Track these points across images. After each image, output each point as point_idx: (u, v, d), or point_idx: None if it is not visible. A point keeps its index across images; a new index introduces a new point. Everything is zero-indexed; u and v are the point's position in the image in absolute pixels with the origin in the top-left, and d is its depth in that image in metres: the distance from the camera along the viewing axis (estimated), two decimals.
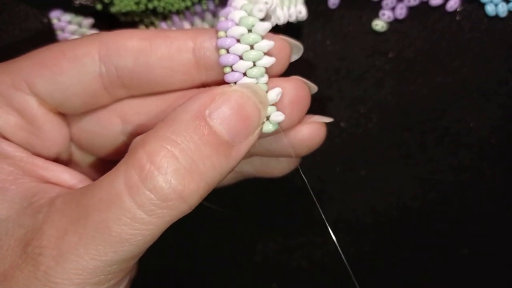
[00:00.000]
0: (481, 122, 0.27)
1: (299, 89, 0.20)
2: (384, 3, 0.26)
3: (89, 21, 0.28)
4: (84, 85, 0.20)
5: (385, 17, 0.26)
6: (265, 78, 0.20)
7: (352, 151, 0.28)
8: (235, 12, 0.19)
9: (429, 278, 0.29)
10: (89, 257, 0.17)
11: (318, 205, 0.22)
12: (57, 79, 0.20)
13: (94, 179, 0.19)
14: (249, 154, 0.23)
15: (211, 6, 0.27)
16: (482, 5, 0.25)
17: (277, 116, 0.20)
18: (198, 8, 0.27)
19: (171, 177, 0.17)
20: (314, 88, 0.22)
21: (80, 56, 0.19)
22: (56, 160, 0.22)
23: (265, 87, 0.19)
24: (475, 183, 0.28)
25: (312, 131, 0.21)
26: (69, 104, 0.20)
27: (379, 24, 0.26)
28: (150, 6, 0.26)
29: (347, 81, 0.27)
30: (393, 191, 0.28)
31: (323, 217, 0.22)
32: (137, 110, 0.21)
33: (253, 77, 0.19)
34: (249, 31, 0.19)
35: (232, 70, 0.19)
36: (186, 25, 0.28)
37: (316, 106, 0.28)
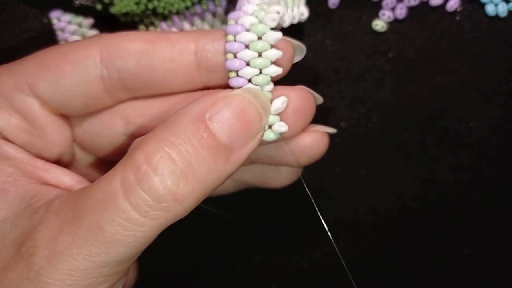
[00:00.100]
0: (481, 122, 0.27)
1: (304, 98, 0.20)
2: (384, 3, 0.26)
3: (89, 21, 0.28)
4: (85, 88, 0.20)
5: (385, 17, 0.26)
6: (270, 86, 0.19)
7: (352, 151, 0.28)
8: (246, 17, 0.19)
9: (429, 278, 0.29)
10: (82, 258, 0.17)
11: (316, 208, 0.22)
12: (58, 81, 0.20)
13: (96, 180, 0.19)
14: (250, 161, 0.23)
15: (211, 6, 0.27)
16: (482, 5, 0.25)
17: (280, 127, 0.19)
18: (198, 8, 0.27)
19: (167, 179, 0.17)
20: (320, 99, 0.22)
21: (81, 58, 0.19)
22: (59, 161, 0.22)
23: (269, 95, 0.19)
24: (475, 183, 0.28)
25: (314, 140, 0.21)
26: (71, 106, 0.20)
27: (379, 24, 0.26)
28: (150, 6, 0.26)
29: (347, 81, 0.27)
30: (393, 191, 0.28)
31: (322, 220, 0.22)
32: (139, 112, 0.21)
33: (258, 85, 0.19)
34: (259, 38, 0.19)
35: (237, 75, 0.19)
36: (186, 25, 0.28)
37: (317, 106, 0.28)
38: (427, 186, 0.28)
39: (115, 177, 0.17)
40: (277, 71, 0.19)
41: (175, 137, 0.17)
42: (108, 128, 0.22)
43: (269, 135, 0.19)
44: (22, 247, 0.17)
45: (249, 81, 0.19)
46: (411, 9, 0.26)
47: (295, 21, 0.25)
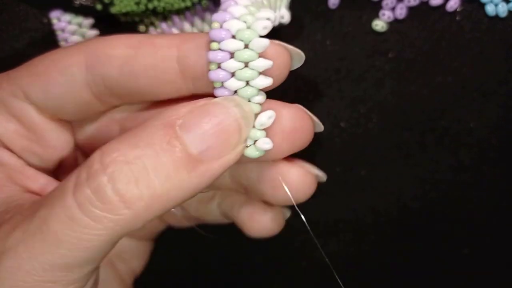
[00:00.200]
0: (481, 122, 0.27)
1: (297, 119, 0.19)
2: (384, 3, 0.26)
3: (89, 21, 0.28)
4: (74, 95, 0.19)
5: (385, 17, 0.26)
6: (260, 98, 0.18)
7: (352, 151, 0.28)
8: (232, 21, 0.17)
9: (429, 278, 0.29)
10: (27, 256, 0.16)
11: (303, 217, 0.21)
12: (48, 88, 0.19)
13: None
14: (229, 188, 0.22)
15: (212, 6, 0.27)
16: (482, 5, 0.25)
17: (264, 144, 0.18)
18: (198, 8, 0.27)
19: (116, 179, 0.16)
20: (320, 126, 0.20)
21: (68, 66, 0.19)
22: (60, 166, 0.22)
23: (257, 108, 0.18)
24: (475, 183, 0.28)
25: (301, 177, 0.20)
26: (64, 112, 0.20)
27: (379, 24, 0.26)
28: (150, 6, 0.26)
29: (347, 81, 0.27)
30: (393, 191, 0.28)
31: (306, 223, 0.22)
32: (134, 117, 0.21)
33: (245, 97, 0.17)
34: (245, 46, 0.17)
35: (223, 86, 0.17)
36: (187, 25, 0.28)
37: (317, 106, 0.28)
38: (427, 186, 0.28)
39: (73, 175, 0.16)
40: (266, 83, 0.17)
41: (138, 139, 0.16)
42: (106, 133, 0.22)
43: (252, 152, 0.18)
44: None
45: (236, 92, 0.17)
46: (411, 9, 0.26)
47: (276, 24, 0.23)
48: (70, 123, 0.22)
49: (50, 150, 0.21)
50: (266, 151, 0.18)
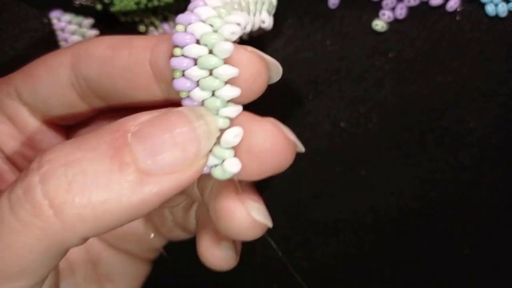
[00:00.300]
0: (481, 122, 0.27)
1: (268, 138, 0.16)
2: (384, 3, 0.26)
3: (89, 21, 0.28)
4: (60, 95, 0.19)
5: (385, 17, 0.26)
6: (232, 110, 0.16)
7: (352, 151, 0.28)
8: (197, 24, 0.15)
9: (429, 278, 0.29)
10: None
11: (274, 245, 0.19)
12: (36, 88, 0.19)
13: None
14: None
15: None
16: (482, 5, 0.25)
17: (231, 166, 0.16)
18: None
19: (47, 180, 0.14)
20: (300, 148, 0.18)
21: (55, 66, 0.19)
22: None
23: (224, 123, 0.16)
24: (475, 183, 0.28)
25: (247, 221, 0.18)
26: (53, 113, 0.20)
27: (379, 24, 0.26)
28: (150, 6, 0.26)
29: (347, 81, 0.27)
30: (393, 191, 0.28)
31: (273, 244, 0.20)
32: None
33: (212, 109, 0.15)
34: (210, 51, 0.15)
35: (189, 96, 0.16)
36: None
37: (317, 106, 0.28)
38: (427, 186, 0.28)
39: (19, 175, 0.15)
40: (232, 94, 0.15)
41: (84, 142, 0.15)
42: None
43: (219, 173, 0.16)
44: None
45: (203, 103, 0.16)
46: (411, 9, 0.26)
47: (255, 29, 0.21)
48: (63, 128, 0.21)
49: (41, 153, 0.21)
50: (235, 175, 0.16)
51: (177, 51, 0.15)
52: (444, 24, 0.26)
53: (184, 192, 0.20)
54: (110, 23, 0.28)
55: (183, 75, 0.15)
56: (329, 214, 0.29)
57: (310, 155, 0.28)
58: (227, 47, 0.15)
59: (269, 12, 0.20)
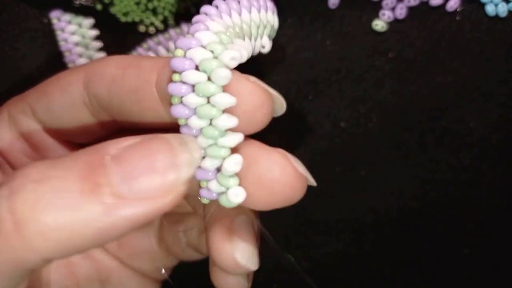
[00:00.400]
0: (481, 122, 0.27)
1: (278, 168, 0.16)
2: (384, 3, 0.26)
3: (89, 21, 0.28)
4: (73, 114, 0.19)
5: (385, 17, 0.26)
6: (232, 139, 0.15)
7: (352, 151, 0.28)
8: (197, 50, 0.15)
9: (429, 278, 0.29)
10: None
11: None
12: (50, 106, 0.19)
13: None
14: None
15: None
16: (482, 5, 0.25)
17: (234, 196, 0.15)
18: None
19: (14, 195, 0.13)
20: (312, 182, 0.17)
21: (67, 84, 0.19)
22: None
23: (225, 152, 0.15)
24: (475, 183, 0.28)
25: (229, 261, 0.18)
26: (67, 132, 0.20)
27: (379, 24, 0.26)
28: (150, 6, 0.27)
29: (347, 81, 0.27)
30: (393, 191, 0.28)
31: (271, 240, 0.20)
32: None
33: (209, 138, 0.15)
34: (209, 78, 0.15)
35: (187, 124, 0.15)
36: (186, 28, 0.28)
37: (317, 106, 0.28)
38: (427, 186, 0.28)
39: None
40: (229, 123, 0.15)
41: (59, 162, 0.14)
42: None
43: (225, 201, 0.15)
44: None
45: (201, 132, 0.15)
46: (411, 9, 0.26)
47: (255, 53, 0.20)
48: (77, 146, 0.21)
49: None
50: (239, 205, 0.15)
51: (176, 76, 0.15)
52: (444, 24, 0.26)
53: (197, 215, 0.20)
54: (110, 23, 0.28)
55: (182, 101, 0.15)
56: (329, 214, 0.29)
57: (310, 155, 0.28)
58: (225, 74, 0.14)
59: (269, 37, 0.20)
